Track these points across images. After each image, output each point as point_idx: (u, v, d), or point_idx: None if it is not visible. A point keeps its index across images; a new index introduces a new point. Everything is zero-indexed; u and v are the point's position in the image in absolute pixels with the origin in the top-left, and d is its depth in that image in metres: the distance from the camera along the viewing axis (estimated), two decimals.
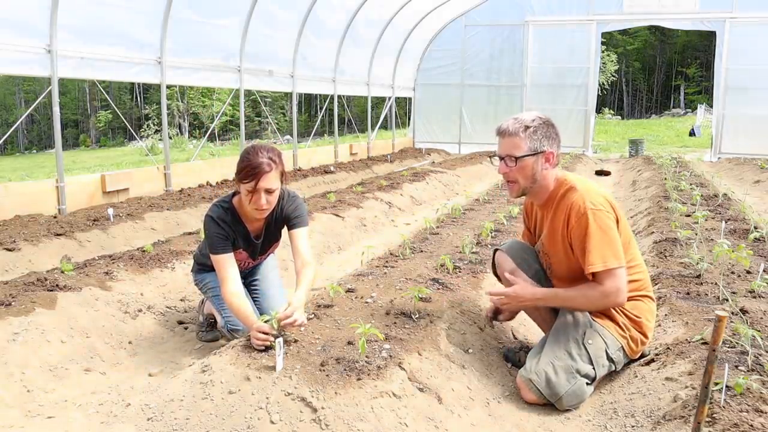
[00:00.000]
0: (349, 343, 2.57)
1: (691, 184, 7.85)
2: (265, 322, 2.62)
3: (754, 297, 3.25)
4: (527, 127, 2.64)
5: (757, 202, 8.03)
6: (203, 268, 3.44)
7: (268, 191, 2.89)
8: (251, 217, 3.10)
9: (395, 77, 15.14)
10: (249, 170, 2.84)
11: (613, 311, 2.66)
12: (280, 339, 2.36)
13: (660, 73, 48.79)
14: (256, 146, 2.94)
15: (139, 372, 3.09)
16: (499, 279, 3.08)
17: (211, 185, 8.67)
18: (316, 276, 3.01)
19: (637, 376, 2.65)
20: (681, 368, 2.50)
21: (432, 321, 2.93)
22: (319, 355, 2.45)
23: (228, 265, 2.94)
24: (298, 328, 2.69)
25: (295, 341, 2.56)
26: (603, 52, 30.91)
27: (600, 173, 11.59)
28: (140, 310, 3.69)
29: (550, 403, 2.58)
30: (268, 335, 2.49)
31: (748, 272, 3.70)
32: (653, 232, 5.18)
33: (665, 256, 4.27)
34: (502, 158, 2.70)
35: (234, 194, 3.12)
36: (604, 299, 2.58)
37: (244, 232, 3.15)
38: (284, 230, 3.28)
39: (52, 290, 3.46)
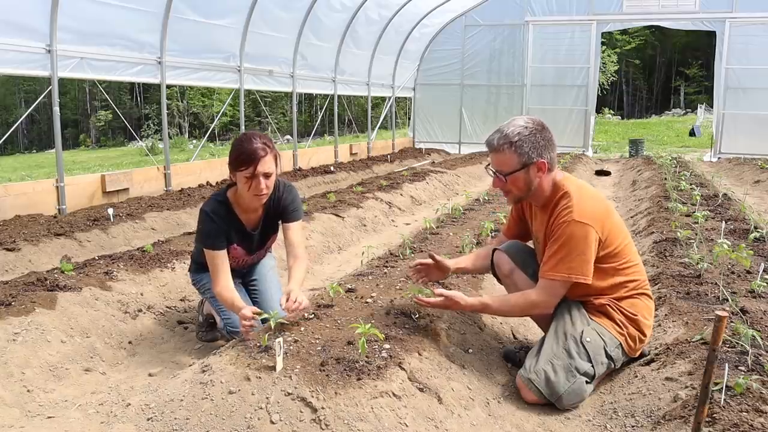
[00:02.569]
0: (349, 343, 2.57)
1: (691, 184, 7.85)
2: (264, 321, 2.63)
3: (754, 297, 3.25)
4: (512, 143, 2.58)
5: (757, 202, 8.03)
6: (201, 267, 3.43)
7: (266, 175, 2.89)
8: (248, 208, 3.09)
9: (395, 77, 15.13)
10: (245, 157, 2.85)
11: (610, 309, 2.67)
12: (280, 339, 2.35)
13: (660, 73, 48.73)
14: (248, 134, 2.95)
15: (139, 372, 3.09)
16: (498, 279, 3.08)
17: (211, 185, 8.68)
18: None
19: (637, 376, 2.65)
20: (681, 368, 2.50)
21: (432, 321, 2.93)
22: (319, 355, 2.45)
23: (220, 260, 2.95)
24: (303, 313, 2.71)
25: (295, 341, 2.55)
26: (603, 52, 30.89)
27: (600, 173, 11.60)
28: (140, 310, 3.69)
29: (550, 403, 2.58)
30: (254, 318, 2.54)
31: (748, 272, 3.69)
32: (653, 232, 5.18)
33: (665, 256, 4.27)
34: (494, 172, 2.70)
35: (228, 188, 3.11)
36: (531, 309, 2.69)
37: (238, 225, 3.14)
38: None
39: (52, 290, 3.46)
